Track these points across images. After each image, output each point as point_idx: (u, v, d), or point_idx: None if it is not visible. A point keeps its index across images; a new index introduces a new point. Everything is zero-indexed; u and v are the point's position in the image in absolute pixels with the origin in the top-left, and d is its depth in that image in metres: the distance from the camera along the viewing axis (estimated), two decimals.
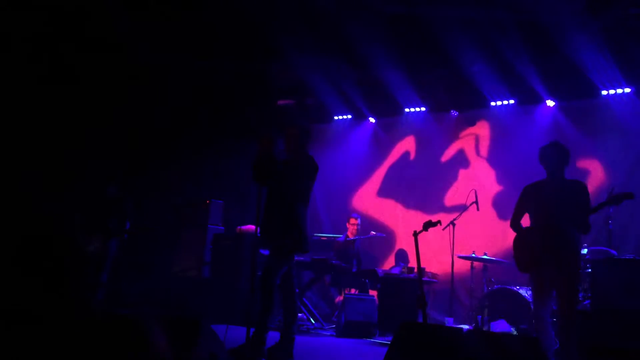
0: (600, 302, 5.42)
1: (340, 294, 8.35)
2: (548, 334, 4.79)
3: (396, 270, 8.04)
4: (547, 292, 4.85)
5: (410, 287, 6.93)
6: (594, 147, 8.06)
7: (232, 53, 8.67)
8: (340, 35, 7.84)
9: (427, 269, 7.47)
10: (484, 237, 8.47)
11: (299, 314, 7.22)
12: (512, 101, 9.03)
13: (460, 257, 7.27)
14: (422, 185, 9.58)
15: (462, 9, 7.18)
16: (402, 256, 9.08)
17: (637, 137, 7.82)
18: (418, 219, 9.03)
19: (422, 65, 8.68)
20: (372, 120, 10.41)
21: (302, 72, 9.16)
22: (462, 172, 9.37)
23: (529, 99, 8.79)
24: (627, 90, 8.03)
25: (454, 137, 9.59)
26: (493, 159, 9.16)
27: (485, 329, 6.46)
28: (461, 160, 9.45)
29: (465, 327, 6.66)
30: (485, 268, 7.28)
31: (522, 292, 6.50)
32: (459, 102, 9.48)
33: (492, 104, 9.17)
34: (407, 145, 10.07)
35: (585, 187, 4.90)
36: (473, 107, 9.46)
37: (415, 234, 4.63)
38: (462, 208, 7.15)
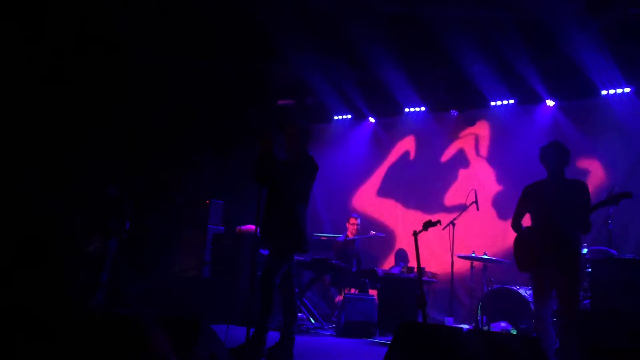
0: (600, 302, 5.43)
1: (340, 294, 8.36)
2: (548, 334, 4.79)
3: (396, 270, 8.05)
4: (547, 292, 4.85)
5: (410, 287, 6.93)
6: (593, 147, 8.06)
7: (232, 53, 8.67)
8: (340, 35, 7.84)
9: (427, 269, 7.48)
10: (484, 236, 8.47)
11: (299, 314, 7.23)
12: (512, 101, 9.04)
13: (460, 256, 7.27)
14: (422, 185, 9.58)
15: (462, 8, 7.18)
16: (402, 256, 9.08)
17: (637, 137, 7.82)
18: (418, 218, 9.02)
19: (422, 65, 8.68)
20: (372, 120, 10.41)
21: (302, 72, 9.16)
22: (462, 172, 9.37)
23: (528, 99, 8.79)
24: (627, 90, 8.03)
25: (453, 137, 9.59)
26: (493, 159, 9.16)
27: (485, 328, 6.46)
28: (461, 160, 9.45)
29: (465, 326, 6.66)
30: (485, 268, 7.28)
31: (522, 291, 6.49)
32: (459, 102, 9.48)
33: (492, 103, 9.17)
34: (407, 145, 10.08)
35: (585, 187, 4.90)
36: (473, 107, 9.46)
37: (415, 234, 4.63)
38: (461, 208, 7.15)
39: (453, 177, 9.38)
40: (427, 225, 4.63)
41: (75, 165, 8.50)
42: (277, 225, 5.00)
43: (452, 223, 7.05)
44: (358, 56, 8.48)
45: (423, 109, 9.85)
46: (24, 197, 7.68)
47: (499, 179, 8.94)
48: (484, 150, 9.31)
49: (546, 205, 4.88)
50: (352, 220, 8.78)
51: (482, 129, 9.39)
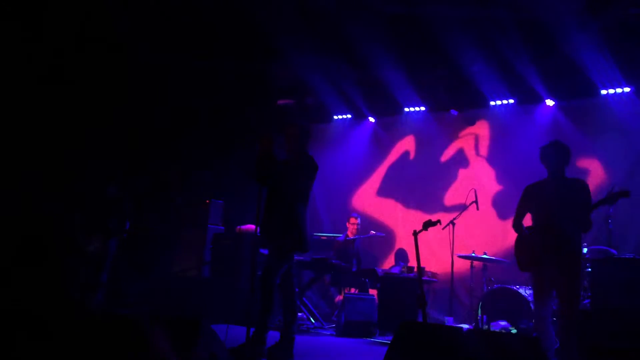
0: (600, 302, 5.43)
1: (340, 294, 8.36)
2: (548, 334, 4.79)
3: (396, 270, 8.05)
4: (547, 292, 4.85)
5: (410, 287, 6.93)
6: (593, 147, 8.06)
7: (232, 53, 8.67)
8: (340, 35, 7.84)
9: (426, 269, 7.48)
10: (484, 236, 8.47)
11: (299, 314, 7.23)
12: (511, 101, 9.04)
13: (460, 256, 7.27)
14: (421, 185, 9.58)
15: (462, 8, 7.18)
16: (401, 255, 9.08)
17: (637, 137, 7.82)
18: (418, 218, 9.03)
19: (421, 65, 8.68)
20: (371, 119, 10.41)
21: (302, 72, 9.16)
22: (461, 172, 9.37)
23: (528, 99, 8.79)
24: (627, 89, 8.03)
25: (453, 136, 9.59)
26: (493, 159, 9.16)
27: (485, 328, 6.46)
28: (461, 159, 9.45)
29: (465, 326, 6.67)
30: (485, 267, 7.29)
31: (522, 291, 6.50)
32: (459, 101, 9.48)
33: (492, 103, 9.17)
34: (406, 144, 10.08)
35: (586, 185, 4.90)
36: (473, 107, 9.46)
37: (415, 234, 4.63)
38: (461, 207, 7.15)
39: (453, 177, 9.39)
40: (427, 224, 4.63)
41: (75, 165, 8.50)
42: (277, 225, 5.00)
43: (452, 223, 7.05)
44: (358, 56, 8.48)
45: (423, 108, 9.85)
46: (24, 197, 7.68)
47: (499, 179, 8.94)
48: (483, 150, 9.31)
49: (547, 204, 4.88)
50: (352, 220, 8.79)
51: (482, 129, 9.39)
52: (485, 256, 7.08)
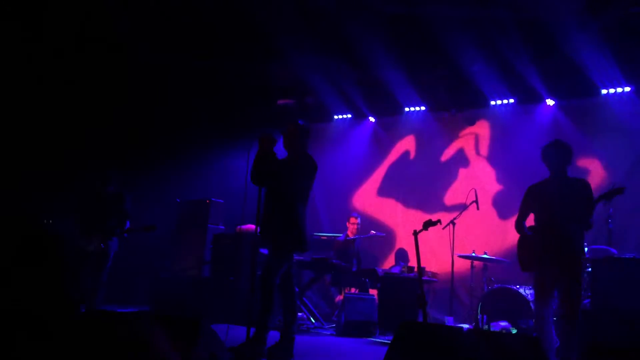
0: (600, 301, 5.43)
1: (340, 293, 8.35)
2: (549, 333, 4.79)
3: (396, 270, 8.05)
4: (548, 292, 4.85)
5: (410, 287, 6.93)
6: (593, 146, 8.06)
7: (232, 53, 8.67)
8: (340, 35, 7.85)
9: (427, 268, 7.47)
10: (484, 236, 8.47)
11: (299, 314, 7.23)
12: (511, 100, 9.04)
13: (460, 256, 7.27)
14: (422, 185, 9.58)
15: (462, 8, 7.18)
16: (402, 255, 9.08)
17: (637, 136, 7.82)
18: (418, 218, 9.02)
19: (421, 65, 8.68)
20: (372, 119, 10.41)
21: (302, 71, 9.16)
22: (462, 172, 9.37)
23: (528, 98, 8.79)
24: (627, 89, 8.04)
25: (453, 136, 9.59)
26: (493, 158, 9.16)
27: (485, 328, 6.46)
28: (461, 159, 9.45)
29: (466, 326, 6.66)
30: (485, 267, 7.28)
31: (522, 291, 6.50)
32: (459, 101, 9.48)
33: (492, 103, 9.18)
34: (407, 144, 10.08)
35: (587, 185, 4.90)
36: (473, 107, 9.46)
37: (415, 233, 4.63)
38: (462, 207, 7.15)
39: (453, 177, 9.39)
40: (427, 224, 4.63)
41: (75, 164, 8.51)
42: (276, 224, 5.00)
43: (452, 222, 7.05)
44: (358, 56, 8.49)
45: (423, 108, 9.85)
46: (24, 197, 7.68)
47: (499, 179, 8.94)
48: (484, 149, 9.31)
49: (549, 204, 4.88)
50: (352, 220, 8.78)
51: (482, 129, 9.40)
52: (485, 256, 7.08)
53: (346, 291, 8.04)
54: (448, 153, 9.58)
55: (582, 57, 7.62)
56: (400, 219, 9.78)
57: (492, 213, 8.75)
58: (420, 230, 4.65)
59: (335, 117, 10.75)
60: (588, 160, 8.04)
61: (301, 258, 7.65)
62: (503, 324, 6.49)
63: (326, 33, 7.94)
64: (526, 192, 5.13)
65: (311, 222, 7.81)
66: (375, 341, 6.80)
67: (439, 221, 4.66)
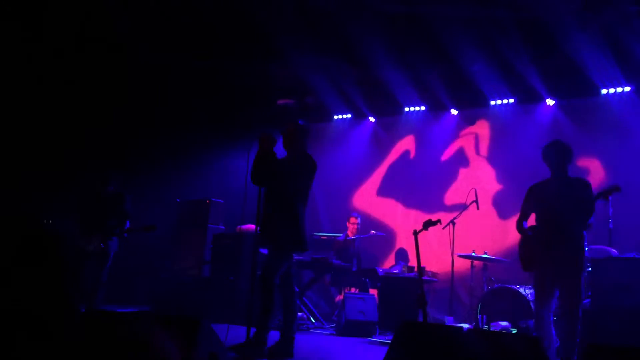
0: (600, 301, 5.43)
1: (340, 293, 8.35)
2: (548, 333, 4.79)
3: (396, 269, 8.05)
4: (548, 292, 4.84)
5: (411, 286, 6.93)
6: (593, 146, 8.06)
7: (232, 53, 8.67)
8: (340, 34, 7.85)
9: (427, 268, 7.47)
10: (484, 235, 8.47)
11: (299, 313, 7.23)
12: (511, 100, 9.04)
13: (460, 256, 7.27)
14: (422, 184, 9.58)
15: (462, 8, 7.18)
16: (402, 255, 9.08)
17: (637, 136, 7.82)
18: (418, 218, 9.04)
19: (421, 64, 8.68)
20: (372, 119, 10.41)
21: (302, 71, 9.16)
22: (462, 171, 9.37)
23: (528, 98, 8.79)
24: (627, 88, 8.04)
25: (453, 136, 9.59)
26: (493, 158, 9.16)
27: (485, 328, 6.46)
28: (461, 159, 9.45)
29: (466, 326, 6.66)
30: (485, 267, 7.28)
31: (522, 291, 6.49)
32: (459, 101, 9.48)
33: (492, 102, 9.18)
34: (407, 144, 10.08)
35: (588, 184, 4.90)
36: (473, 106, 9.46)
37: (415, 233, 4.63)
38: (462, 207, 7.15)
39: (453, 177, 9.39)
40: (427, 224, 4.63)
41: (75, 165, 8.51)
42: (276, 224, 5.00)
43: (452, 222, 7.05)
44: (358, 55, 8.49)
45: (423, 108, 9.85)
46: (24, 197, 7.68)
47: (499, 178, 8.95)
48: (484, 149, 9.31)
49: (550, 204, 4.88)
50: (353, 220, 8.78)
51: (482, 128, 9.40)
52: (485, 256, 7.08)
53: (346, 291, 8.04)
54: (448, 153, 9.59)
55: (582, 57, 7.62)
56: (400, 218, 9.78)
57: (492, 213, 8.75)
58: (421, 230, 4.64)
59: (335, 117, 10.75)
60: (588, 160, 8.04)
61: (301, 258, 7.65)
62: (503, 323, 6.48)
63: (326, 33, 7.94)
64: (527, 191, 5.13)
65: (311, 222, 7.82)
66: (375, 341, 6.80)
67: (439, 221, 4.66)
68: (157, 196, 9.29)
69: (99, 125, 8.93)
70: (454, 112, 9.60)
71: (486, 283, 7.14)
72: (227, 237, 8.17)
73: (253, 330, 4.83)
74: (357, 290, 8.11)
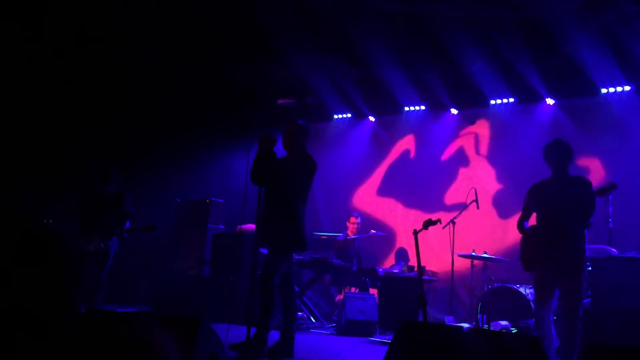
0: (600, 300, 5.43)
1: (340, 293, 8.35)
2: (548, 333, 4.79)
3: (396, 269, 8.05)
4: (548, 291, 4.84)
5: (411, 286, 6.93)
6: (593, 146, 8.06)
7: (232, 53, 8.67)
8: (340, 34, 7.85)
9: (427, 268, 7.48)
10: (484, 235, 8.47)
11: (299, 313, 7.23)
12: (512, 100, 9.04)
13: (460, 255, 7.27)
14: (422, 184, 9.58)
15: (462, 8, 7.18)
16: (402, 255, 9.08)
17: (637, 135, 7.82)
18: (418, 217, 9.03)
19: (421, 64, 8.68)
20: (372, 119, 10.41)
21: (302, 71, 9.16)
22: (462, 171, 9.37)
23: (528, 98, 8.79)
24: (627, 88, 8.04)
25: (453, 135, 9.59)
26: (493, 158, 9.16)
27: (485, 327, 6.46)
28: (461, 158, 9.45)
29: (466, 325, 6.66)
30: (485, 266, 7.28)
31: (522, 290, 6.50)
32: (459, 100, 9.48)
33: (492, 102, 9.18)
34: (407, 143, 10.08)
35: (589, 183, 4.90)
36: (473, 106, 9.47)
37: (415, 233, 4.63)
38: (462, 206, 7.15)
39: (453, 176, 9.39)
40: (428, 224, 4.63)
41: (75, 165, 8.51)
42: (276, 224, 5.00)
43: (452, 222, 7.06)
44: (358, 55, 8.49)
45: (423, 107, 9.85)
46: (24, 197, 7.68)
47: (499, 178, 8.95)
48: (484, 149, 9.31)
49: (550, 203, 4.89)
50: (353, 219, 8.78)
51: (482, 128, 9.40)
52: (485, 255, 7.08)
53: (346, 290, 8.04)
54: (448, 152, 9.59)
55: (582, 57, 7.62)
56: (400, 218, 9.79)
57: (492, 212, 8.75)
58: (421, 230, 4.64)
59: (335, 116, 10.76)
60: (588, 160, 8.04)
61: (301, 257, 7.65)
62: (503, 323, 6.49)
63: (326, 33, 7.94)
64: (528, 191, 5.14)
65: (311, 221, 7.82)
66: (375, 340, 6.80)
67: (439, 220, 4.66)
68: (157, 196, 9.29)
69: (99, 125, 8.93)
70: (454, 111, 9.61)
71: (486, 282, 7.14)
72: (227, 237, 8.17)
73: (253, 330, 4.83)
74: (357, 290, 8.11)
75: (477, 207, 7.03)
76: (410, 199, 9.70)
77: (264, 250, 5.46)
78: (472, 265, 7.32)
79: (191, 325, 2.85)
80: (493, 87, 8.87)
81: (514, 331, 6.34)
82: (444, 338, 3.13)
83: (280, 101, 10.43)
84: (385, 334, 7.09)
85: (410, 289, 6.84)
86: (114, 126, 9.10)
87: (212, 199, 8.97)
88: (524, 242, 5.09)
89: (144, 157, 9.50)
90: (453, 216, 7.10)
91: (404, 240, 9.46)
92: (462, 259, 7.46)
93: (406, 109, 9.98)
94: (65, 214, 6.85)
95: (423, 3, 7.17)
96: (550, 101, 8.65)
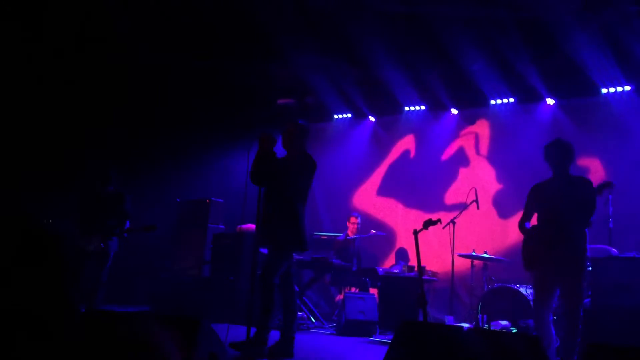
0: (600, 300, 5.43)
1: (340, 293, 8.35)
2: (548, 332, 4.79)
3: (396, 269, 8.05)
4: (548, 291, 4.84)
5: (411, 286, 6.93)
6: (594, 145, 8.06)
7: (232, 53, 8.67)
8: (340, 34, 7.85)
9: (427, 268, 7.47)
10: (484, 235, 8.47)
11: (299, 313, 7.23)
12: (512, 99, 9.04)
13: (460, 255, 7.27)
14: (422, 184, 9.58)
15: (462, 8, 7.18)
16: (402, 255, 9.08)
17: (637, 135, 7.82)
18: (418, 217, 9.03)
19: (421, 64, 8.68)
20: (372, 119, 10.41)
21: (302, 71, 9.16)
22: (462, 171, 9.37)
23: (529, 98, 8.79)
24: (627, 88, 8.04)
25: (453, 135, 9.59)
26: (493, 158, 9.17)
27: (485, 327, 6.46)
28: (461, 158, 9.45)
29: (466, 325, 6.66)
30: (486, 266, 7.28)
31: (523, 290, 6.50)
32: (459, 100, 9.48)
33: (492, 102, 9.18)
34: (407, 143, 10.08)
35: (589, 182, 4.90)
36: (473, 106, 9.47)
37: (416, 233, 4.63)
38: (462, 206, 7.15)
39: (453, 176, 9.39)
40: (428, 224, 4.63)
41: (75, 165, 8.51)
42: (276, 224, 5.00)
43: (453, 222, 7.06)
44: (358, 55, 8.49)
45: (423, 107, 9.85)
46: (24, 197, 7.68)
47: (499, 178, 8.95)
48: (484, 149, 9.31)
49: (551, 203, 4.88)
50: (353, 219, 8.78)
51: (482, 128, 9.40)
52: (485, 255, 7.08)
53: (346, 290, 8.05)
54: (448, 152, 9.59)
55: (582, 56, 7.62)
56: (400, 218, 9.79)
57: (492, 212, 8.75)
58: (421, 230, 4.64)
59: (335, 116, 10.76)
60: (588, 160, 8.03)
61: (301, 257, 7.65)
62: (503, 323, 6.49)
63: (326, 33, 7.94)
64: (529, 192, 5.13)
65: (311, 221, 7.83)
66: (376, 340, 6.80)
67: (439, 220, 4.66)
68: (157, 196, 9.29)
69: (99, 125, 8.93)
70: (454, 111, 9.61)
71: (486, 282, 7.14)
72: (227, 237, 8.17)
73: (253, 330, 4.83)
74: (357, 290, 8.11)
75: (477, 207, 7.03)
76: (411, 199, 9.71)
77: (264, 250, 5.46)
78: (472, 265, 7.32)
79: (191, 325, 2.85)
80: (493, 87, 8.87)
81: (514, 331, 6.34)
82: (444, 338, 3.13)
83: (280, 101, 10.43)
84: (385, 333, 7.09)
85: (410, 289, 6.84)
86: (114, 126, 9.10)
87: (212, 199, 8.97)
88: (526, 242, 5.09)
89: (144, 157, 9.50)
90: (453, 216, 7.10)
91: (404, 240, 9.46)
92: (462, 259, 7.46)
93: (406, 109, 9.98)
94: (65, 214, 6.84)
95: (423, 3, 7.17)
96: (550, 101, 8.65)
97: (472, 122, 9.51)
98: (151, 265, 8.84)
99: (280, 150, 5.07)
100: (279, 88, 9.95)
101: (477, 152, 9.36)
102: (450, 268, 7.14)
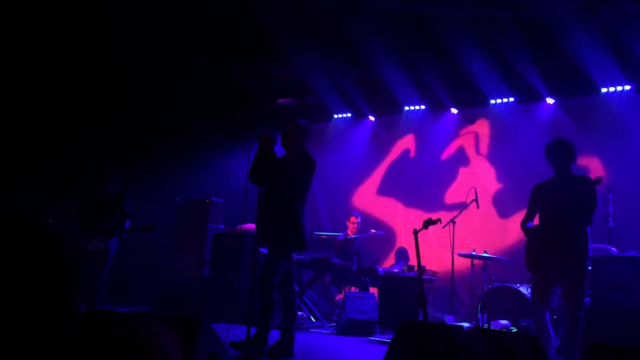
0: (600, 300, 5.43)
1: (340, 292, 8.35)
2: (547, 332, 4.79)
3: (396, 268, 8.05)
4: (549, 291, 4.84)
5: (411, 285, 6.94)
6: (593, 145, 8.06)
7: (232, 53, 8.67)
8: (340, 34, 7.84)
9: (427, 267, 7.47)
10: (484, 234, 8.47)
11: (299, 313, 7.23)
12: (512, 99, 9.04)
13: (460, 255, 7.27)
14: (422, 183, 9.58)
15: (462, 8, 7.18)
16: (402, 254, 9.08)
17: (637, 135, 7.82)
18: (418, 217, 9.02)
19: (421, 64, 8.68)
20: (372, 118, 10.41)
21: (302, 71, 9.16)
22: (462, 170, 9.37)
23: (528, 97, 8.79)
24: (627, 87, 8.04)
25: (453, 135, 9.59)
26: (493, 157, 9.17)
27: (485, 326, 6.46)
28: (461, 158, 9.45)
29: (466, 325, 6.66)
30: (486, 266, 7.29)
31: (523, 289, 6.50)
32: (459, 100, 9.48)
33: (492, 102, 9.17)
34: (406, 143, 10.08)
35: (590, 181, 4.91)
36: (473, 105, 9.47)
37: (416, 232, 4.63)
38: (462, 206, 7.15)
39: (453, 176, 9.39)
40: (428, 223, 4.63)
41: (75, 165, 8.51)
42: (275, 224, 5.00)
43: (453, 221, 7.06)
44: (358, 55, 8.48)
45: (423, 107, 9.85)
46: (24, 197, 7.68)
47: (499, 177, 8.95)
48: (484, 148, 9.31)
49: (553, 203, 4.89)
50: (353, 219, 8.78)
51: (482, 127, 9.40)
52: (485, 254, 7.08)
53: (346, 290, 8.05)
54: (448, 152, 9.59)
55: (582, 56, 7.62)
56: (400, 217, 9.79)
57: (492, 212, 8.75)
58: (421, 229, 4.65)
59: (335, 116, 10.76)
60: (588, 159, 8.03)
61: (301, 257, 7.65)
62: (503, 322, 6.49)
63: (326, 33, 7.94)
64: (531, 192, 5.13)
65: (311, 221, 7.83)
66: (376, 340, 6.81)
67: (439, 220, 4.67)
68: (157, 196, 9.29)
69: (99, 125, 8.93)
70: (454, 111, 9.61)
71: (486, 282, 7.14)
72: (227, 236, 8.17)
73: (253, 329, 4.83)
74: (357, 290, 8.11)
75: (477, 207, 7.03)
76: (410, 199, 9.71)
77: (264, 250, 5.46)
78: (472, 265, 7.33)
79: (191, 325, 2.85)
80: (493, 87, 8.87)
81: (514, 330, 6.34)
82: (444, 337, 3.13)
83: (280, 101, 10.43)
84: (385, 333, 7.10)
85: (410, 289, 6.84)
86: (114, 126, 9.10)
87: (212, 198, 8.97)
88: (528, 242, 5.08)
89: (144, 157, 9.49)
90: (453, 216, 7.11)
91: (404, 240, 9.46)
92: (462, 259, 7.46)
93: (406, 108, 9.98)
94: (65, 214, 6.84)
95: (423, 3, 7.17)
96: (550, 100, 8.65)
97: (472, 122, 9.51)
98: (151, 265, 8.84)
99: (280, 150, 5.07)
100: (279, 88, 9.95)
101: (477, 151, 9.36)
102: (450, 267, 7.15)
